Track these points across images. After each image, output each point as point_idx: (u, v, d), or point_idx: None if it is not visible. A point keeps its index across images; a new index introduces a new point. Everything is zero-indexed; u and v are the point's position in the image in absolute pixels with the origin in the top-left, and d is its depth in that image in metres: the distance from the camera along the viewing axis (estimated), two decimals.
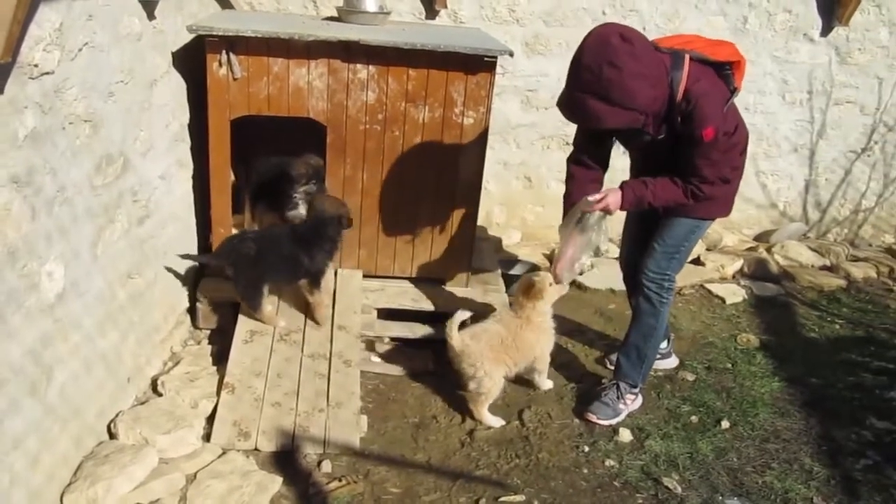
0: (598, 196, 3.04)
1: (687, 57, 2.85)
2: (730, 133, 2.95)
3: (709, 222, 3.32)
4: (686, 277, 4.93)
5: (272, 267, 3.53)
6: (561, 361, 3.90)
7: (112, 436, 2.93)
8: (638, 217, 3.46)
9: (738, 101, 3.00)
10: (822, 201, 5.78)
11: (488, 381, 3.27)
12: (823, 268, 5.40)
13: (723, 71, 2.93)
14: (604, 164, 3.24)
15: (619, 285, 4.65)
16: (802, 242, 5.60)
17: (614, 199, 3.04)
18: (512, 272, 4.69)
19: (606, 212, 3.08)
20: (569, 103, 2.80)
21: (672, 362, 3.92)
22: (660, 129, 2.90)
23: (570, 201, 3.21)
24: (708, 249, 5.39)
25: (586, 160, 3.19)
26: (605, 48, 2.62)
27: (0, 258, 2.15)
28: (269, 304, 3.64)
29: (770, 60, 5.24)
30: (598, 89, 2.65)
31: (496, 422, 3.34)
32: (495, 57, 3.59)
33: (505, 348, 3.34)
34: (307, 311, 3.71)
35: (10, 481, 2.25)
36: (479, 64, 3.60)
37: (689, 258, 5.05)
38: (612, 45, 2.61)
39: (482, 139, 3.80)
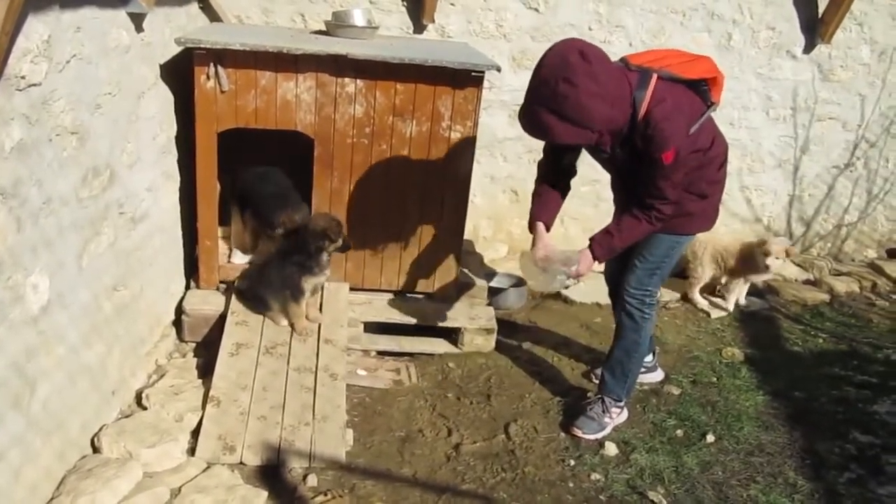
0: (573, 272, 3.04)
1: (654, 77, 2.81)
2: (705, 149, 2.96)
3: (689, 237, 3.34)
4: (672, 291, 4.97)
5: (265, 280, 3.69)
6: (546, 375, 3.91)
7: (96, 449, 2.91)
8: None
9: (722, 116, 3.03)
10: (805, 216, 5.84)
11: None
12: (807, 282, 5.45)
13: (699, 88, 2.93)
14: (568, 174, 3.24)
15: (605, 299, 4.66)
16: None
17: (586, 264, 3.05)
18: (498, 286, 4.71)
19: (579, 276, 3.09)
20: (525, 114, 2.77)
21: (657, 376, 3.93)
22: (617, 147, 2.89)
23: (533, 221, 3.19)
24: None
25: (552, 175, 3.20)
26: (564, 64, 2.59)
27: None
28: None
29: (754, 77, 5.29)
30: (552, 104, 2.63)
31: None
32: (483, 72, 3.62)
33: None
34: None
35: None
36: (466, 78, 3.62)
37: (674, 272, 5.11)
38: (570, 63, 2.58)
39: (469, 153, 3.82)
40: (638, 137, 2.80)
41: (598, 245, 3.04)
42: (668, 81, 2.84)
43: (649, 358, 3.84)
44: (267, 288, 3.67)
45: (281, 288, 3.61)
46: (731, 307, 4.88)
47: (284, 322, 3.68)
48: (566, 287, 3.17)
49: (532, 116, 2.72)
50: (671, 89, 2.82)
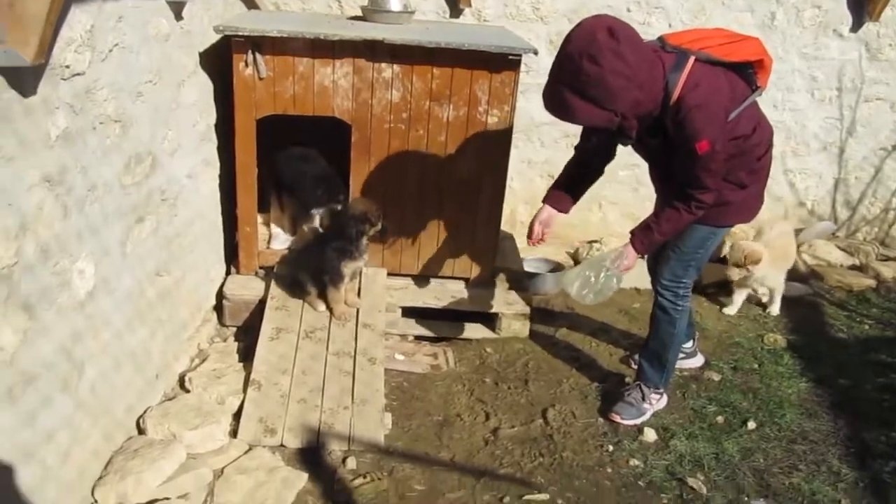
0: (619, 268, 3.02)
1: (692, 59, 2.68)
2: (745, 136, 2.85)
3: (726, 229, 3.23)
4: (712, 276, 4.89)
5: (304, 264, 3.73)
6: (584, 361, 3.89)
7: (141, 431, 2.97)
8: None
9: (765, 98, 2.92)
10: (851, 200, 5.70)
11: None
12: (853, 267, 5.32)
13: (744, 71, 2.79)
14: (599, 157, 3.17)
15: (644, 284, 4.63)
16: (831, 241, 5.53)
17: (631, 258, 3.01)
18: (535, 270, 4.69)
19: (627, 270, 3.05)
20: (547, 92, 2.66)
21: (697, 361, 3.89)
22: (647, 135, 2.79)
23: (544, 200, 3.25)
24: None
25: (582, 157, 3.17)
26: (590, 41, 2.46)
27: (33, 256, 2.19)
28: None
29: (798, 57, 5.17)
30: (574, 82, 2.52)
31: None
32: (520, 55, 3.59)
33: None
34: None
35: (43, 475, 2.29)
36: (503, 62, 3.60)
37: (716, 258, 5.04)
38: (596, 40, 2.45)
39: (506, 137, 3.80)
40: (669, 122, 2.70)
41: (639, 240, 2.98)
42: (706, 64, 2.70)
43: (689, 344, 3.80)
44: (305, 273, 3.70)
45: (320, 273, 3.64)
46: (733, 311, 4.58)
47: (323, 307, 3.71)
48: (613, 290, 3.07)
49: (554, 95, 2.62)
50: (709, 73, 2.69)
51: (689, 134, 2.66)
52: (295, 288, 3.77)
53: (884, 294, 4.94)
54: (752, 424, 3.42)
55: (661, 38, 2.80)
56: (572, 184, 3.23)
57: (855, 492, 3.04)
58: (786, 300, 4.75)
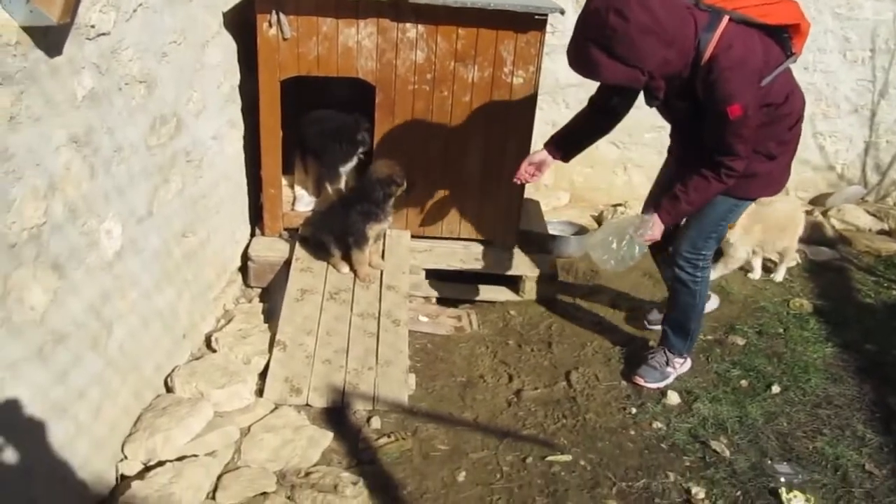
0: (644, 238, 2.94)
1: (726, 19, 2.58)
2: (777, 104, 2.74)
3: (749, 202, 3.13)
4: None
5: (327, 229, 3.73)
6: (607, 324, 3.89)
7: (169, 389, 3.02)
8: (670, 183, 3.27)
9: (798, 61, 2.81)
10: (882, 164, 5.60)
11: None
12: (881, 232, 5.25)
13: (780, 35, 2.69)
14: (612, 116, 3.11)
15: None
16: (860, 206, 5.45)
17: (658, 229, 2.93)
18: (559, 233, 4.67)
19: (652, 240, 2.97)
20: (571, 49, 2.57)
21: (712, 304, 3.87)
22: (675, 97, 2.70)
23: (545, 145, 3.20)
24: None
25: (595, 110, 3.10)
26: None
27: (62, 215, 2.21)
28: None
29: (831, 17, 5.06)
30: (600, 38, 2.44)
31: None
32: (546, 15, 3.54)
33: None
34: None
35: (76, 430, 2.34)
36: (529, 22, 3.54)
37: None
38: None
39: (531, 99, 3.76)
40: (700, 84, 2.61)
41: (666, 210, 2.90)
42: (741, 25, 2.61)
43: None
44: (330, 235, 3.71)
45: (344, 235, 3.65)
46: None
47: (346, 269, 3.73)
48: (636, 259, 3.00)
49: (578, 51, 2.54)
50: (743, 34, 2.60)
51: (720, 97, 2.58)
52: (319, 250, 3.78)
53: None
54: (776, 388, 3.40)
55: None
56: (576, 136, 3.21)
57: (879, 456, 3.03)
58: (813, 264, 4.71)
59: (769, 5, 2.70)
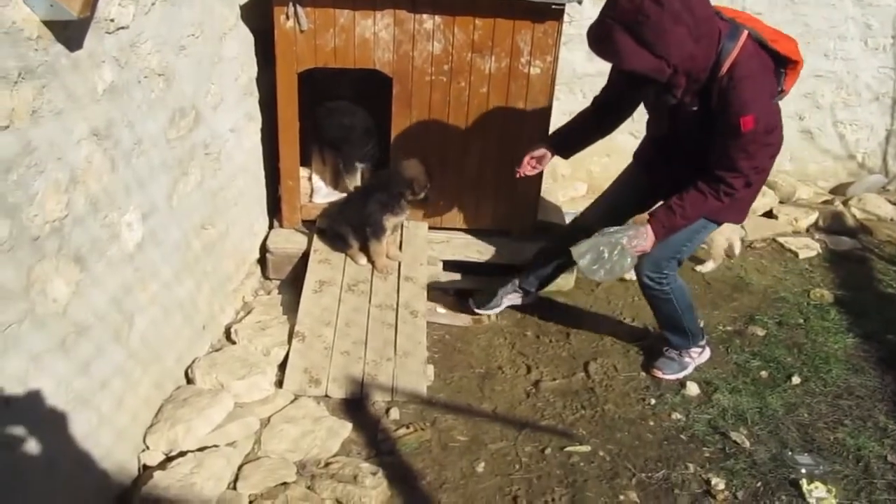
0: (635, 250, 2.88)
1: (745, 33, 2.58)
2: (770, 130, 2.68)
3: (716, 226, 3.09)
4: (757, 231, 4.82)
5: (346, 217, 3.73)
6: (626, 315, 3.89)
7: (189, 381, 3.05)
8: (633, 195, 3.23)
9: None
10: None
11: None
12: None
13: (777, 68, 2.70)
14: (614, 115, 3.09)
15: None
16: (881, 195, 5.38)
17: (650, 241, 2.88)
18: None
19: (642, 252, 2.92)
20: (595, 30, 2.48)
21: None
22: (688, 98, 2.64)
23: (559, 129, 3.25)
24: (781, 202, 5.22)
25: (599, 108, 3.09)
26: None
27: (83, 208, 2.22)
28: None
29: (852, 4, 4.99)
30: (630, 21, 2.35)
31: None
32: (563, 4, 3.50)
33: None
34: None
35: (99, 420, 2.37)
36: (546, 12, 3.52)
37: (761, 212, 4.95)
38: None
39: (549, 89, 3.74)
40: (716, 94, 2.58)
41: (660, 223, 2.86)
42: (756, 44, 2.63)
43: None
44: (347, 226, 3.72)
45: (362, 226, 3.66)
46: None
47: (364, 261, 3.74)
48: (626, 270, 2.96)
49: (602, 31, 2.44)
50: (759, 52, 2.62)
51: (736, 107, 2.55)
52: (337, 241, 3.79)
53: None
54: (796, 379, 3.38)
55: (714, 8, 2.65)
56: (576, 135, 3.22)
57: None
58: (833, 254, 4.66)
59: (775, 35, 2.71)
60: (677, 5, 2.35)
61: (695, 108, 2.68)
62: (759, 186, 2.97)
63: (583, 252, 2.94)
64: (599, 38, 2.48)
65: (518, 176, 3.27)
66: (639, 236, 2.88)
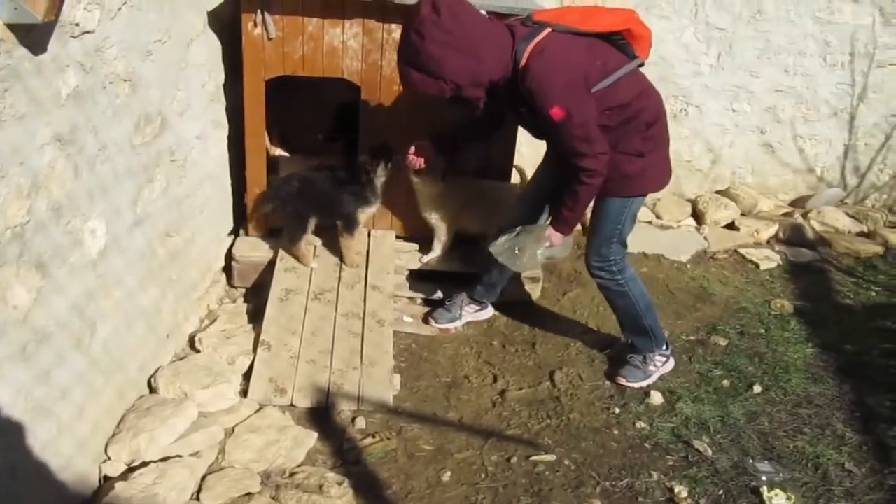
0: (547, 244, 3.13)
1: (546, 30, 2.74)
2: (623, 104, 2.83)
3: (639, 199, 3.15)
4: (719, 242, 4.90)
5: (311, 204, 3.69)
6: (591, 324, 3.91)
7: (153, 390, 3.01)
8: (548, 185, 3.29)
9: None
10: (860, 166, 5.66)
11: None
12: (860, 234, 5.31)
13: (615, 42, 2.84)
14: (489, 123, 3.33)
15: (651, 248, 4.66)
16: (840, 208, 5.51)
17: (557, 238, 3.11)
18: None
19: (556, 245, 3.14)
20: (398, 68, 2.83)
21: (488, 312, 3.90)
22: (510, 102, 2.88)
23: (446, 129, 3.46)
24: (743, 214, 5.32)
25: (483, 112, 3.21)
26: (414, 17, 2.65)
27: (45, 214, 2.19)
28: (308, 244, 3.81)
29: (812, 21, 5.11)
30: (406, 55, 2.71)
31: None
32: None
33: None
34: (340, 266, 3.79)
35: (59, 430, 2.33)
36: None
37: (724, 224, 5.04)
38: (420, 15, 2.62)
39: None
40: (524, 91, 2.76)
41: (558, 222, 3.07)
42: (566, 35, 2.77)
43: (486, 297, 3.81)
44: (312, 210, 3.70)
45: (331, 214, 3.69)
46: None
47: (315, 264, 3.74)
48: (542, 262, 3.31)
49: (400, 71, 2.79)
50: (564, 41, 2.76)
51: (540, 101, 2.74)
52: (292, 219, 3.72)
53: (891, 261, 4.94)
54: (757, 388, 3.44)
55: (528, 15, 2.85)
56: (458, 136, 3.43)
57: (859, 455, 3.08)
58: (793, 266, 4.76)
59: (594, 16, 2.86)
60: (435, 32, 2.62)
61: (523, 110, 2.87)
62: (658, 154, 3.04)
63: (498, 250, 3.23)
64: (401, 77, 2.83)
65: (408, 167, 3.48)
66: (543, 239, 3.11)
